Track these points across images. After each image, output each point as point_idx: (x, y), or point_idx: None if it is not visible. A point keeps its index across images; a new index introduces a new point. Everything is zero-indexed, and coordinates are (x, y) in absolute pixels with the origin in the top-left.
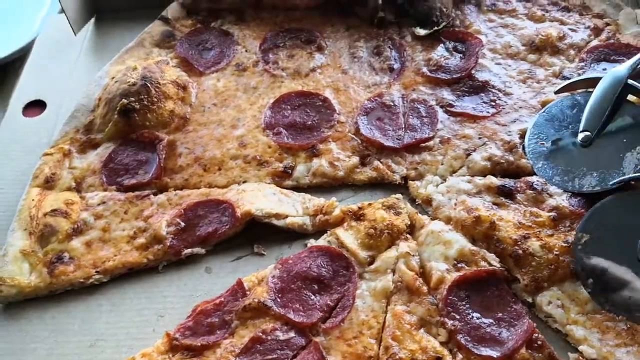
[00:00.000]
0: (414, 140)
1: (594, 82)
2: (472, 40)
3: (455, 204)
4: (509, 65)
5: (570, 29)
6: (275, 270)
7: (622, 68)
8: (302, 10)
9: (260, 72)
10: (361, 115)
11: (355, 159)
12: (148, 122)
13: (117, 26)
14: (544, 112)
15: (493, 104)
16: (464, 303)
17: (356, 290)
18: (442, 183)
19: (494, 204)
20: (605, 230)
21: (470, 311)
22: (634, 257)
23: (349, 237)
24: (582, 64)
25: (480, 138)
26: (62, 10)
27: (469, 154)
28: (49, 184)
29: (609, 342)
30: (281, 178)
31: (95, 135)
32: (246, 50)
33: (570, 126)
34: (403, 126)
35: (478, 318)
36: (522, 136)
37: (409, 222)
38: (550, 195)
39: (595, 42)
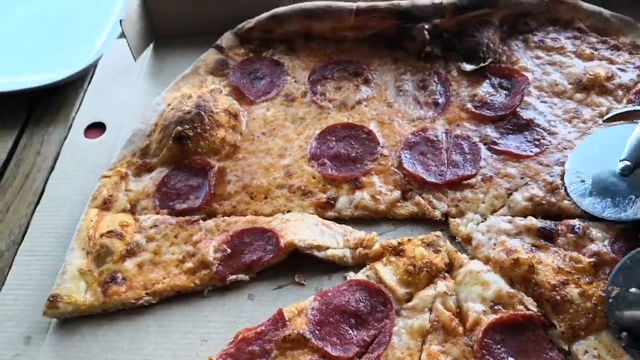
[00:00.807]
0: (456, 177)
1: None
2: (518, 78)
3: (495, 244)
4: (555, 104)
5: (619, 69)
6: (315, 302)
7: None
8: (351, 42)
9: (308, 102)
10: (404, 149)
11: (397, 193)
12: (200, 149)
13: (174, 52)
14: (575, 151)
15: (537, 143)
16: (499, 347)
17: (393, 327)
18: (482, 222)
19: (534, 246)
20: (635, 283)
21: (506, 355)
22: None
23: (387, 273)
24: (630, 105)
25: (522, 178)
26: (123, 35)
27: (510, 194)
28: (106, 205)
29: None
30: (324, 209)
31: (151, 159)
32: (295, 81)
33: (607, 159)
34: (445, 162)
35: None
36: (562, 177)
37: (447, 261)
38: (592, 240)
39: None
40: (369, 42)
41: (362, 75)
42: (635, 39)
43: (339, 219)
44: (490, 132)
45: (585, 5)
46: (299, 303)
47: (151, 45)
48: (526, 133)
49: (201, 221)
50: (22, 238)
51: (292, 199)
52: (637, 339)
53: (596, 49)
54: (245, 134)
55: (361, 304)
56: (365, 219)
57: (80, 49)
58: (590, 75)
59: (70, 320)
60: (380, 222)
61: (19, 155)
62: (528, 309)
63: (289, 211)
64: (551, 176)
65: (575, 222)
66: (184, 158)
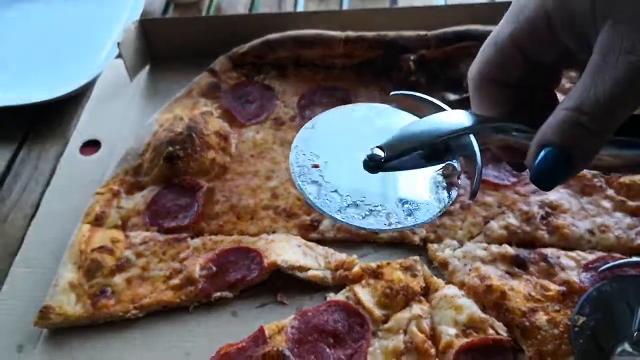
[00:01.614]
0: None
1: None
2: None
3: (470, 270)
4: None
5: None
6: (295, 321)
7: None
8: (339, 69)
9: (297, 126)
10: None
11: None
12: (190, 169)
13: (169, 73)
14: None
15: (514, 173)
16: None
17: (369, 347)
18: (459, 248)
19: (507, 273)
20: (601, 314)
21: None
22: (630, 341)
23: (366, 295)
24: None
25: (499, 206)
26: (120, 56)
27: (487, 222)
28: (98, 221)
29: None
30: (307, 230)
31: (143, 177)
32: (285, 105)
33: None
34: None
35: None
36: (541, 206)
37: (424, 285)
38: (562, 269)
39: None
40: (357, 70)
41: (348, 102)
42: None
43: (322, 241)
44: None
45: None
46: (280, 321)
47: (147, 66)
48: (505, 163)
49: (189, 239)
50: (17, 250)
51: (277, 220)
52: None
53: (573, 82)
54: (235, 156)
55: (339, 324)
56: (348, 241)
57: (79, 68)
58: None
59: (60, 330)
60: (362, 245)
61: (17, 169)
62: (499, 334)
63: (274, 232)
64: (527, 205)
65: (548, 251)
66: (174, 177)
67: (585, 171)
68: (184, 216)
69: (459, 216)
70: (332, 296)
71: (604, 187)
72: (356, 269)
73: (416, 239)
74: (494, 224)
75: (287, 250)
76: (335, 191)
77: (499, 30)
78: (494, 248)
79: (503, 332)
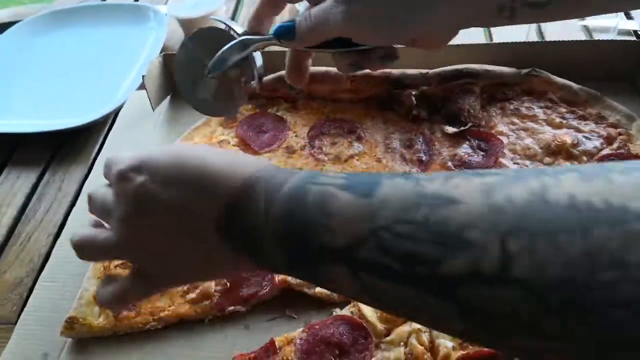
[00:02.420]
0: None
1: None
2: (495, 141)
3: None
4: (526, 165)
5: (584, 137)
6: (303, 334)
7: None
8: (347, 103)
9: (307, 155)
10: None
11: None
12: None
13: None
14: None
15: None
16: None
17: (372, 358)
18: None
19: None
20: None
21: None
22: None
23: (369, 310)
24: None
25: None
26: (144, 87)
27: None
28: None
29: None
30: None
31: None
32: (296, 135)
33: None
34: None
35: None
36: None
37: None
38: None
39: (606, 151)
40: (363, 104)
41: (355, 133)
42: (601, 111)
43: None
44: None
45: (557, 79)
46: (289, 334)
47: (168, 97)
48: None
49: None
50: (41, 266)
51: None
52: None
53: (565, 118)
54: None
55: (344, 336)
56: None
57: (104, 97)
58: (558, 141)
59: (83, 340)
60: None
61: (42, 190)
62: None
63: None
64: None
65: None
66: None
67: None
68: None
69: None
70: (338, 311)
71: None
72: None
73: None
74: None
75: None
76: None
77: None
78: None
79: None
